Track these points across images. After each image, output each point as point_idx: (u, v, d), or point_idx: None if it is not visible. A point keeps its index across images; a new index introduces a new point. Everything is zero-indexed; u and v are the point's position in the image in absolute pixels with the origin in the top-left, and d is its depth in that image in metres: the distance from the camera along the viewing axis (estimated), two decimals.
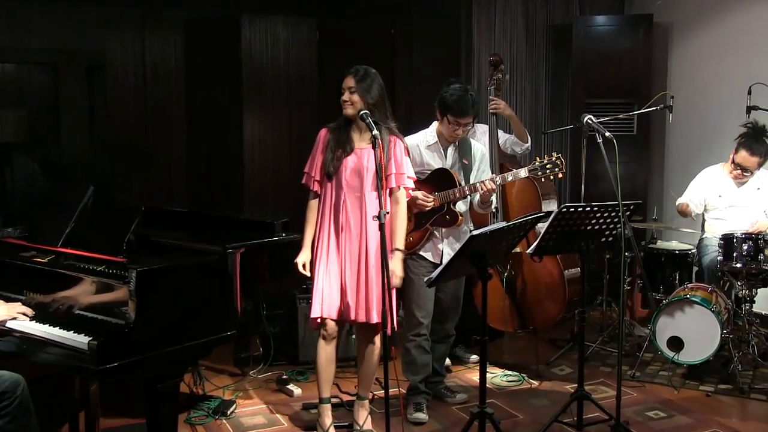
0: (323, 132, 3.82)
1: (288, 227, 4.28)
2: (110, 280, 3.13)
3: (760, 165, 5.14)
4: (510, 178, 4.09)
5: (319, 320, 3.79)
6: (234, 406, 4.34)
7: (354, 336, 4.70)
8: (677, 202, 5.46)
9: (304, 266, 3.83)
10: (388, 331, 3.34)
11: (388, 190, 3.78)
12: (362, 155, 3.72)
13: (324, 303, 3.75)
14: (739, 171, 5.17)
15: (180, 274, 3.28)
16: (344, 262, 3.75)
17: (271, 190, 6.02)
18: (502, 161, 4.93)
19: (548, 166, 3.92)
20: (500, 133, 5.09)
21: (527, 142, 5.15)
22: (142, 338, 3.02)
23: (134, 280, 3.01)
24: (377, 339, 3.89)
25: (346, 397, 4.39)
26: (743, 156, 5.11)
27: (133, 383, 3.64)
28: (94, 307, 3.19)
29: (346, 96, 3.69)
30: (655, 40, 6.56)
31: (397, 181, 3.80)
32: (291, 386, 4.62)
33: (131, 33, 6.14)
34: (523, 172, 4.01)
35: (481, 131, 5.06)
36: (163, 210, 4.56)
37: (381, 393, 4.16)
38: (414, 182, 3.98)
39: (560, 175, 3.92)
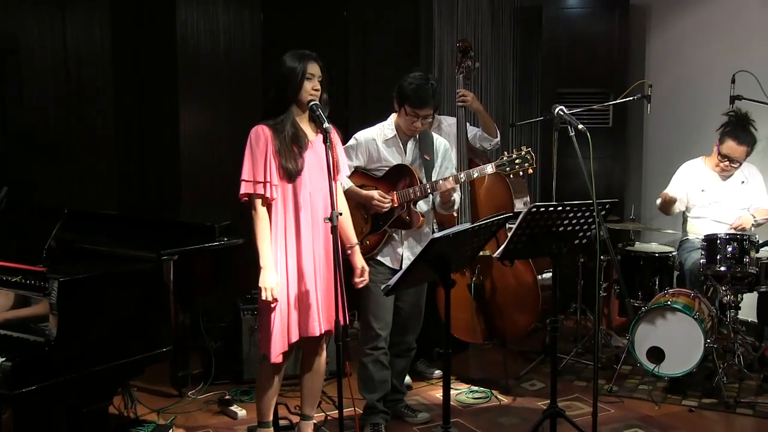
0: (265, 131, 3.60)
1: (230, 231, 4.24)
2: (28, 292, 3.08)
3: (747, 154, 5.26)
4: (476, 175, 4.11)
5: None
6: (170, 431, 4.28)
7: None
8: (663, 192, 5.50)
9: (272, 290, 3.57)
10: (340, 320, 3.32)
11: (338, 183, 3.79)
12: (316, 148, 3.69)
13: (299, 328, 3.68)
14: (726, 162, 5.27)
15: (108, 284, 3.25)
16: (315, 271, 3.69)
17: (211, 189, 5.96)
18: (470, 156, 4.95)
19: (517, 161, 3.96)
20: (468, 126, 5.11)
21: (496, 137, 5.19)
22: (65, 357, 2.97)
23: (56, 291, 2.97)
24: (324, 349, 3.90)
25: (296, 419, 4.36)
26: (730, 146, 5.21)
27: (54, 408, 3.57)
28: (8, 322, 3.14)
29: (317, 84, 3.62)
30: (632, 24, 6.64)
31: (343, 168, 3.85)
32: (235, 408, 4.58)
33: (49, 12, 6.01)
34: (489, 168, 4.04)
35: (447, 124, 5.08)
36: (89, 212, 4.50)
37: (335, 413, 4.14)
38: (370, 179, 3.97)
39: (530, 171, 3.97)
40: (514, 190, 4.99)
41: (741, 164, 5.30)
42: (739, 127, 5.22)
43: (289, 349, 3.68)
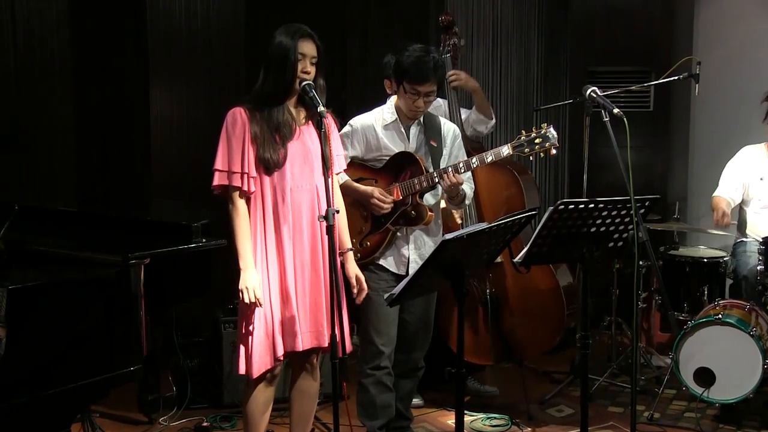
0: (243, 114, 3.63)
1: (208, 231, 4.24)
2: None
3: None
4: (489, 159, 4.08)
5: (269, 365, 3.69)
6: None
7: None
8: (713, 196, 5.52)
9: (254, 290, 3.59)
10: (337, 334, 3.32)
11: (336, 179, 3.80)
12: (304, 137, 3.71)
13: (282, 341, 3.67)
14: None
15: (66, 292, 3.24)
16: (296, 279, 3.69)
17: (187, 183, 5.96)
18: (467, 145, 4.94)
19: (537, 140, 3.94)
20: (461, 109, 5.10)
21: (492, 119, 5.18)
22: (15, 378, 2.98)
23: (4, 301, 2.96)
24: (316, 367, 3.90)
25: None
26: None
27: None
28: None
29: (308, 66, 3.62)
30: None
31: (340, 163, 3.86)
32: None
33: None
34: (506, 149, 4.01)
35: (434, 107, 5.05)
36: (44, 209, 4.51)
37: None
38: (369, 171, 3.97)
39: (552, 152, 3.94)
40: (525, 184, 4.97)
41: None
42: None
43: (275, 366, 3.68)
